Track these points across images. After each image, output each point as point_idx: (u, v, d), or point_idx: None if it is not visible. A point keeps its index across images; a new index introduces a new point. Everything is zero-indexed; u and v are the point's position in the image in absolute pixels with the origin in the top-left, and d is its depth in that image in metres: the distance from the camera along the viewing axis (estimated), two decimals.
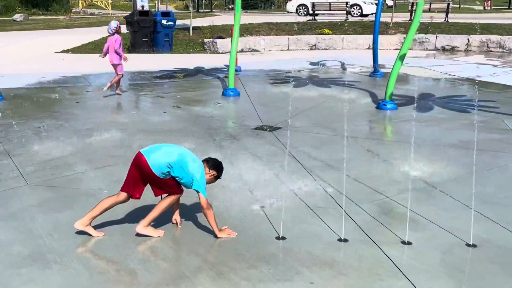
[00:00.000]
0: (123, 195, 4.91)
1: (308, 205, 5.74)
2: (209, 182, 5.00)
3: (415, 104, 11.11)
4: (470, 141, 7.86)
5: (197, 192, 4.80)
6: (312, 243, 4.87)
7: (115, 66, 11.73)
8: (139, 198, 4.95)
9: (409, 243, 4.85)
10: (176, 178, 4.82)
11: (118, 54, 11.58)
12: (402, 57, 10.74)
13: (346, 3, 28.10)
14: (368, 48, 20.32)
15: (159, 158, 4.75)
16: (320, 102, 11.37)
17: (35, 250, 4.70)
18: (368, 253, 4.68)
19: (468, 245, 4.83)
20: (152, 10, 24.75)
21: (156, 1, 34.84)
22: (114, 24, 11.69)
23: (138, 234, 4.93)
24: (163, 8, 36.47)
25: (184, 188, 5.01)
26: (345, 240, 4.91)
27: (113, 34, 11.62)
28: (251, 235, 5.01)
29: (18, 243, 4.84)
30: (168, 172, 4.77)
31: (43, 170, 6.87)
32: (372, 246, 4.80)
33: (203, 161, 4.98)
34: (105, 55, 11.79)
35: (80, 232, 4.96)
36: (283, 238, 4.95)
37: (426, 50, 21.88)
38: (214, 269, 4.38)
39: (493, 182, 6.49)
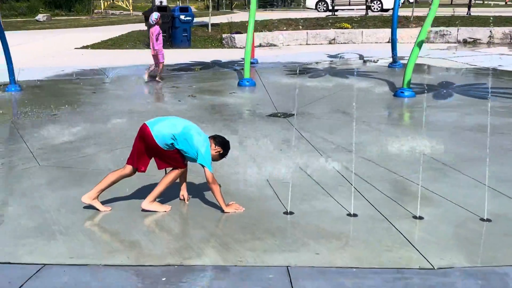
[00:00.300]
0: (129, 168, 4.88)
1: (318, 182, 5.63)
2: (214, 159, 4.92)
3: (434, 92, 10.89)
4: (489, 125, 7.64)
5: (202, 166, 4.74)
6: (320, 217, 4.77)
7: (155, 56, 12.20)
8: (144, 171, 4.91)
9: (420, 218, 4.72)
10: (181, 151, 4.77)
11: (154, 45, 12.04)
12: (420, 44, 10.54)
13: None
14: (388, 42, 20.02)
15: (163, 129, 4.70)
16: (336, 91, 11.22)
17: (42, 223, 4.69)
18: (377, 226, 4.57)
19: (482, 219, 4.67)
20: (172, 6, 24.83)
21: (178, 1, 35.03)
22: (154, 15, 12.14)
23: (144, 210, 4.89)
24: None
25: (190, 163, 4.96)
26: (355, 215, 4.80)
27: (154, 25, 12.04)
28: (258, 210, 4.92)
29: (26, 217, 4.85)
30: (172, 144, 4.71)
31: (55, 153, 6.90)
32: (382, 221, 4.68)
33: (210, 137, 4.92)
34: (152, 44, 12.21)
35: (88, 207, 4.95)
36: (291, 213, 4.86)
37: (447, 43, 21.48)
38: (219, 240, 4.32)
39: (510, 162, 6.29)
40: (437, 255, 4.03)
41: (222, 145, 4.93)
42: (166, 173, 4.96)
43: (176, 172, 4.88)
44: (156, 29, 12.03)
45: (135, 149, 4.85)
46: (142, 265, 3.93)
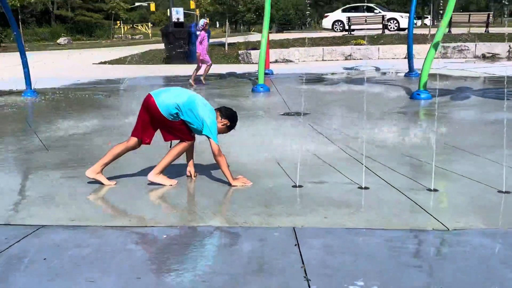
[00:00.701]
0: (133, 140, 4.78)
1: (328, 163, 5.47)
2: (221, 131, 4.79)
3: (451, 95, 10.69)
4: (507, 119, 7.41)
5: (208, 138, 4.62)
6: (331, 190, 4.60)
7: (201, 59, 13.24)
8: (149, 143, 4.80)
9: (435, 190, 4.51)
10: (186, 123, 4.65)
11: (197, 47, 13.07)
12: (435, 45, 10.38)
13: (383, 17, 27.82)
14: (405, 58, 19.91)
15: (168, 99, 4.61)
16: (351, 95, 11.10)
17: (45, 193, 4.61)
18: (389, 196, 4.38)
19: (500, 191, 4.45)
20: None
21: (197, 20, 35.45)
22: (201, 21, 13.19)
23: (150, 183, 4.78)
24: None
25: (197, 136, 4.85)
26: (366, 188, 4.61)
27: (201, 31, 13.02)
28: (266, 185, 4.77)
29: (31, 189, 4.79)
30: (177, 114, 4.60)
31: (64, 141, 6.87)
32: (395, 192, 4.48)
33: (216, 109, 4.80)
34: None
35: (92, 182, 4.85)
36: (300, 186, 4.69)
37: (465, 58, 21.27)
38: (224, 207, 4.18)
39: None
40: (453, 219, 3.82)
41: (229, 117, 4.80)
42: (170, 146, 4.85)
43: (183, 145, 4.76)
44: (201, 34, 12.98)
45: (139, 121, 4.75)
46: (143, 226, 3.79)
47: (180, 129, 4.69)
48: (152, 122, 4.70)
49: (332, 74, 15.62)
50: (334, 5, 50.35)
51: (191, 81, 13.34)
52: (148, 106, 4.65)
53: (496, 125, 7.32)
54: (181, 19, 20.48)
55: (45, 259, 3.20)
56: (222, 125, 4.77)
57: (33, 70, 12.02)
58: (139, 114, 4.77)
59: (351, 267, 3.03)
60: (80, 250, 3.33)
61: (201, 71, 13.64)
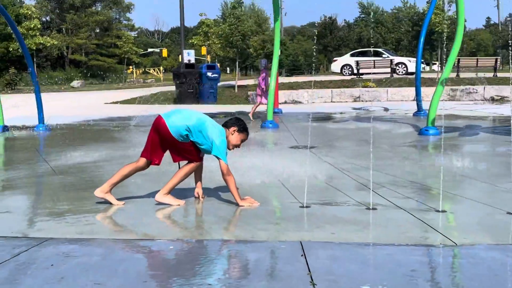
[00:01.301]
0: (143, 160, 4.83)
1: (335, 187, 5.48)
2: (239, 140, 4.80)
3: (460, 132, 10.72)
4: None
5: (217, 158, 4.66)
6: (338, 210, 4.60)
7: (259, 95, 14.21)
8: (158, 164, 4.85)
9: (443, 211, 4.50)
10: (196, 144, 4.71)
11: (260, 86, 14.07)
12: (443, 82, 10.50)
13: (391, 61, 28.21)
14: (414, 100, 20.06)
15: (178, 120, 4.68)
16: (360, 131, 11.16)
17: (54, 211, 4.64)
18: (397, 216, 4.36)
19: (509, 213, 4.42)
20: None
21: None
22: (263, 61, 14.26)
23: (158, 203, 4.80)
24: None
25: (206, 159, 4.90)
26: (374, 209, 4.61)
27: (262, 69, 14.14)
28: (273, 205, 4.79)
29: (40, 207, 4.83)
30: (187, 135, 4.67)
31: (74, 168, 6.94)
32: (403, 212, 4.47)
33: (222, 125, 4.86)
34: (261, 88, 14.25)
35: (100, 202, 4.88)
36: (307, 206, 4.70)
37: (474, 100, 21.40)
38: (232, 223, 4.19)
39: None
40: (461, 236, 3.80)
41: (233, 123, 4.83)
42: (179, 167, 4.90)
43: (191, 166, 4.80)
44: (263, 73, 14.06)
45: (149, 142, 4.82)
46: (150, 239, 3.80)
47: (189, 150, 4.74)
48: (162, 143, 4.77)
49: (341, 113, 15.75)
50: (343, 51, 51.17)
51: (250, 115, 14.19)
52: (158, 128, 4.72)
53: (504, 156, 7.32)
54: (192, 61, 20.90)
55: (52, 265, 3.21)
56: (233, 135, 4.79)
57: (46, 108, 12.25)
58: (149, 135, 4.84)
59: (357, 275, 3.01)
60: (88, 258, 3.34)
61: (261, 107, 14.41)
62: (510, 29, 56.56)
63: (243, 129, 4.84)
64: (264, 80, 13.97)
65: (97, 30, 58.41)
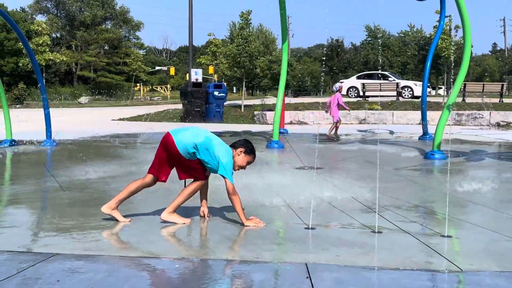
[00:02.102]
0: (149, 177, 4.87)
1: (341, 210, 5.48)
2: (245, 162, 4.84)
3: (466, 157, 10.71)
4: None
5: (223, 177, 4.69)
6: (343, 232, 4.60)
7: (333, 117, 15.46)
8: (165, 181, 4.88)
9: (449, 236, 4.49)
10: (202, 162, 4.74)
11: (342, 107, 15.59)
12: (449, 107, 10.53)
13: (397, 84, 28.31)
14: (419, 124, 20.08)
15: (186, 138, 4.73)
16: (365, 154, 11.17)
17: (61, 227, 4.67)
18: (402, 240, 4.36)
19: None
20: None
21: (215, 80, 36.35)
22: (337, 84, 15.80)
23: (163, 221, 4.82)
24: None
25: (212, 179, 4.93)
26: (379, 232, 4.61)
27: (335, 92, 15.31)
28: (279, 226, 4.80)
29: (46, 223, 4.86)
30: (194, 153, 4.70)
31: (81, 184, 6.98)
32: (408, 236, 4.47)
33: (231, 146, 4.90)
34: (327, 108, 15.65)
35: (107, 218, 4.90)
36: (313, 228, 4.70)
37: (480, 125, 21.40)
38: (237, 243, 4.19)
39: None
40: (466, 261, 3.79)
41: (242, 144, 4.87)
42: (185, 185, 4.93)
43: (196, 184, 4.83)
44: (339, 96, 15.34)
45: (157, 158, 4.86)
46: (155, 257, 3.81)
47: (195, 168, 4.77)
48: (169, 160, 4.80)
49: (347, 135, 15.78)
50: (349, 73, 51.42)
51: (332, 134, 15.30)
52: (167, 144, 4.77)
53: (510, 183, 7.32)
54: (200, 80, 21.07)
55: (58, 281, 3.22)
56: (239, 156, 4.83)
57: (54, 123, 12.38)
58: (157, 152, 4.88)
59: None
60: (93, 274, 3.35)
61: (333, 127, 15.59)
62: None
63: (251, 151, 4.88)
64: (336, 102, 15.30)
65: (106, 47, 58.98)
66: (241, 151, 4.83)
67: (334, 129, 15.66)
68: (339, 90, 15.77)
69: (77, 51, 56.25)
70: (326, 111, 16.04)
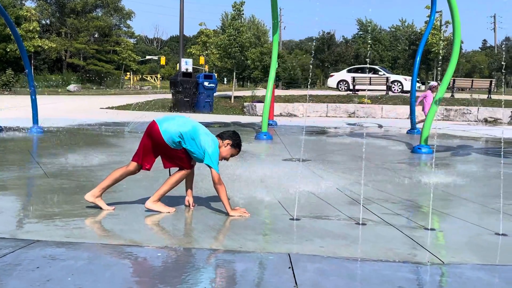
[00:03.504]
0: (133, 164, 4.82)
1: (326, 201, 5.48)
2: (229, 154, 4.83)
3: (452, 151, 10.77)
4: (505, 173, 7.46)
5: (209, 167, 4.67)
6: (327, 224, 4.61)
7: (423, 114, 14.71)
8: (149, 169, 4.84)
9: (432, 229, 4.51)
10: (188, 151, 4.71)
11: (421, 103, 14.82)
12: (437, 101, 10.57)
13: (387, 78, 28.36)
14: (408, 118, 20.16)
15: (171, 127, 4.69)
16: (353, 147, 11.19)
17: (44, 214, 4.63)
18: (386, 232, 4.38)
19: (497, 234, 4.44)
20: None
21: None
22: (434, 83, 15.02)
23: (148, 210, 4.79)
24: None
25: (198, 167, 4.90)
26: (363, 224, 4.62)
27: (426, 90, 15.05)
28: (264, 217, 4.79)
29: (29, 209, 4.81)
30: (179, 142, 4.67)
31: (66, 171, 6.93)
32: (392, 228, 4.49)
33: (217, 136, 4.87)
34: (419, 103, 14.94)
35: (91, 206, 4.86)
36: (297, 219, 4.70)
37: (468, 121, 21.54)
38: (221, 233, 4.18)
39: None
40: (448, 254, 3.81)
41: (229, 136, 4.84)
42: (170, 174, 4.90)
43: (182, 173, 4.80)
44: (429, 93, 14.53)
45: (141, 146, 4.81)
46: (138, 245, 3.79)
47: (181, 157, 4.74)
48: (154, 148, 4.77)
49: (335, 128, 15.81)
50: (340, 67, 51.44)
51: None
52: (151, 133, 4.73)
53: (495, 178, 7.37)
54: (190, 70, 20.95)
55: (38, 267, 3.19)
56: (225, 147, 4.81)
57: (41, 110, 12.27)
58: (141, 140, 4.83)
59: None
60: (74, 262, 3.32)
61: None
62: (503, 53, 57.15)
63: (237, 145, 4.87)
64: (425, 99, 14.77)
65: (96, 35, 58.46)
66: (228, 143, 4.81)
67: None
68: (430, 88, 15.03)
69: (67, 38, 55.69)
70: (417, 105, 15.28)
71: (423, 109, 14.84)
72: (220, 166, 4.75)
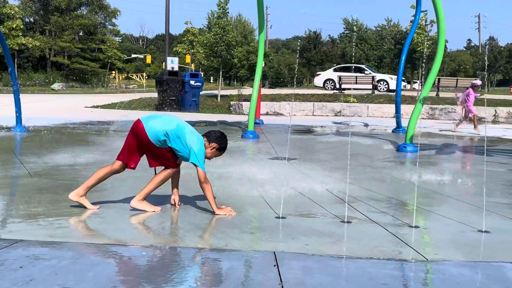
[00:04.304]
0: (118, 163, 4.79)
1: (312, 199, 5.50)
2: (213, 156, 4.84)
3: (437, 150, 10.86)
4: (488, 170, 7.54)
5: (195, 165, 4.65)
6: (313, 222, 4.62)
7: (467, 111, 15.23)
8: (134, 168, 4.82)
9: (416, 227, 4.55)
10: (174, 150, 4.69)
11: (463, 102, 15.08)
12: (422, 100, 10.65)
13: (373, 77, 28.51)
14: (393, 117, 20.28)
15: (157, 125, 4.66)
16: (339, 145, 11.23)
17: (27, 213, 4.58)
18: (371, 230, 4.40)
19: (480, 231, 4.49)
20: None
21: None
22: (478, 82, 15.44)
23: (133, 209, 4.76)
24: None
25: (184, 166, 4.89)
26: (348, 222, 4.64)
27: (468, 88, 15.15)
28: (250, 215, 4.79)
29: (13, 209, 4.77)
30: (165, 141, 4.65)
31: (50, 171, 6.86)
32: (377, 226, 4.51)
33: (204, 135, 4.86)
34: (460, 102, 15.30)
35: (75, 205, 4.82)
36: (283, 217, 4.71)
37: (453, 119, 21.70)
38: (207, 231, 4.17)
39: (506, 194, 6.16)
40: (432, 251, 3.85)
41: (216, 139, 4.83)
42: (155, 173, 4.87)
43: (167, 172, 4.78)
44: (471, 91, 14.98)
45: (126, 145, 4.78)
46: (122, 245, 3.77)
47: (166, 156, 4.72)
48: (139, 147, 4.74)
49: (322, 127, 15.86)
50: (326, 66, 51.61)
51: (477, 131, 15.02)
52: (136, 131, 4.70)
53: (478, 175, 7.43)
54: (176, 68, 20.87)
55: (21, 267, 3.16)
56: (211, 150, 4.80)
57: (25, 109, 12.12)
58: (126, 138, 4.80)
59: (329, 286, 3.02)
60: (58, 261, 3.30)
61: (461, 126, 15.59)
62: (487, 53, 57.78)
63: (223, 149, 4.89)
64: (467, 97, 15.04)
65: (81, 34, 57.96)
66: (214, 147, 4.80)
67: (474, 123, 15.42)
68: (472, 86, 15.18)
69: (51, 36, 55.15)
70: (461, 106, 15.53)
71: (463, 108, 15.25)
72: (206, 165, 4.74)
